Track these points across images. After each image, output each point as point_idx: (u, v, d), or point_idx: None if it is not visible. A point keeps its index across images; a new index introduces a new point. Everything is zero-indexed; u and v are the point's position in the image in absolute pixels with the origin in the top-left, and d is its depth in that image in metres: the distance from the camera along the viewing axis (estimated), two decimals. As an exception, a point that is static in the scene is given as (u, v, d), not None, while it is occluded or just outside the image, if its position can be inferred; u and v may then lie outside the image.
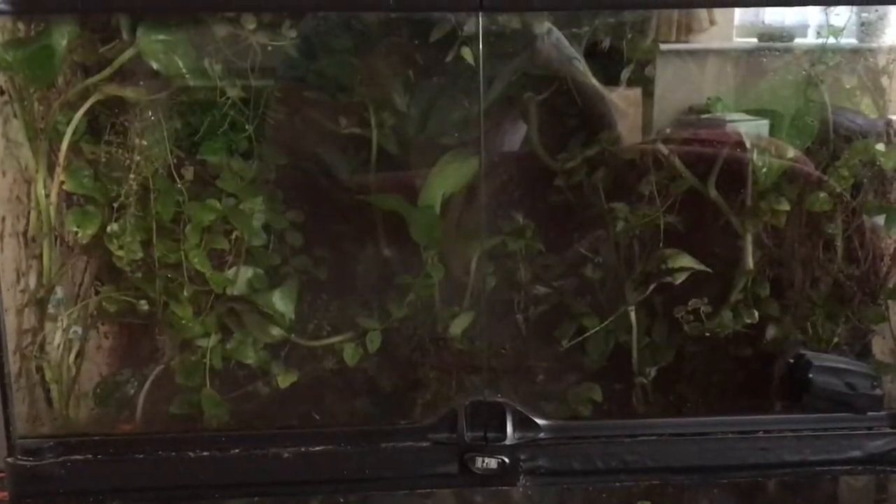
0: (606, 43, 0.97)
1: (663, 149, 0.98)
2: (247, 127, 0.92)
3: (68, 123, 0.87)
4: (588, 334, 0.99)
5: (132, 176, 0.89)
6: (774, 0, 0.94)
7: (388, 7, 0.83)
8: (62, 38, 0.84)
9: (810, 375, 0.89)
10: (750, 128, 0.97)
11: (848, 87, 0.91)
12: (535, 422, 0.90)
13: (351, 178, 1.00)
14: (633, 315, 0.98)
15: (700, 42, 1.03)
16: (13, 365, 0.88)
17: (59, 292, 0.93)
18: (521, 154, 1.03)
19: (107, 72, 0.86)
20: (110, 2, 0.83)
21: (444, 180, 0.98)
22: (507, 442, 0.89)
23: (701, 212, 0.99)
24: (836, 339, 0.95)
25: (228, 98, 0.90)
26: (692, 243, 0.98)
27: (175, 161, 0.91)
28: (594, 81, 0.99)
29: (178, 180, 0.91)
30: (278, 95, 0.94)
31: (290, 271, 0.99)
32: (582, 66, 0.98)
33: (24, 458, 0.88)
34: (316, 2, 0.86)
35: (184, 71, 0.86)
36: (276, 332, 0.98)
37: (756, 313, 0.97)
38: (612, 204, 0.99)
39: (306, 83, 0.97)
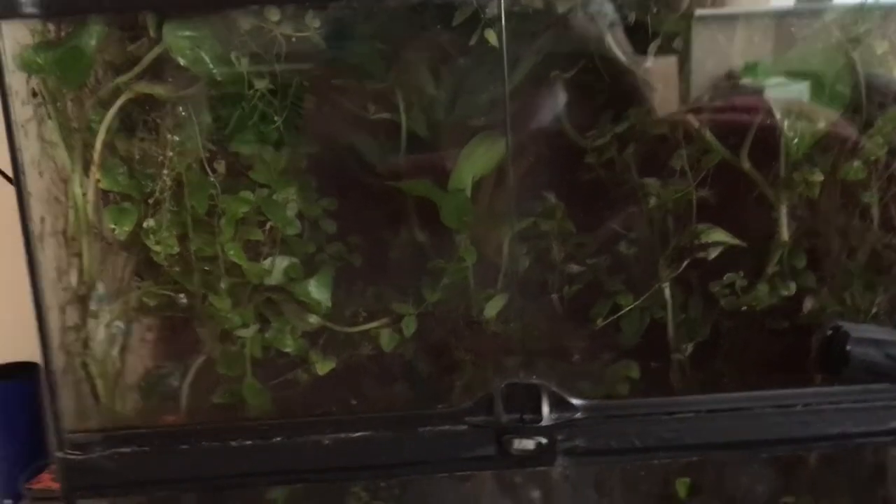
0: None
1: (693, 121, 0.97)
2: (276, 118, 0.93)
3: (101, 122, 0.89)
4: (622, 312, 0.99)
5: (166, 172, 0.91)
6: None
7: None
8: (91, 38, 0.85)
9: (848, 347, 0.88)
10: (788, 93, 0.95)
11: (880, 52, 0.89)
12: (570, 402, 0.90)
13: (381, 164, 1.00)
14: (667, 291, 0.98)
15: (735, 6, 1.02)
16: (59, 361, 0.91)
17: (101, 288, 0.95)
18: (550, 133, 1.03)
19: (136, 70, 0.87)
20: (135, 1, 0.84)
21: (474, 163, 0.98)
22: (544, 423, 0.89)
23: (735, 184, 0.98)
24: (874, 310, 0.94)
25: (257, 90, 0.91)
26: (727, 216, 0.97)
27: (207, 155, 0.92)
28: (627, 53, 0.98)
29: (210, 174, 0.92)
30: (306, 85, 0.95)
31: (325, 259, 1.00)
32: (620, 34, 0.97)
33: (74, 451, 0.90)
34: None
35: (211, 66, 0.87)
36: (313, 319, 0.99)
37: (793, 285, 0.96)
38: (644, 179, 0.99)
39: (333, 71, 0.97)
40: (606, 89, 1.00)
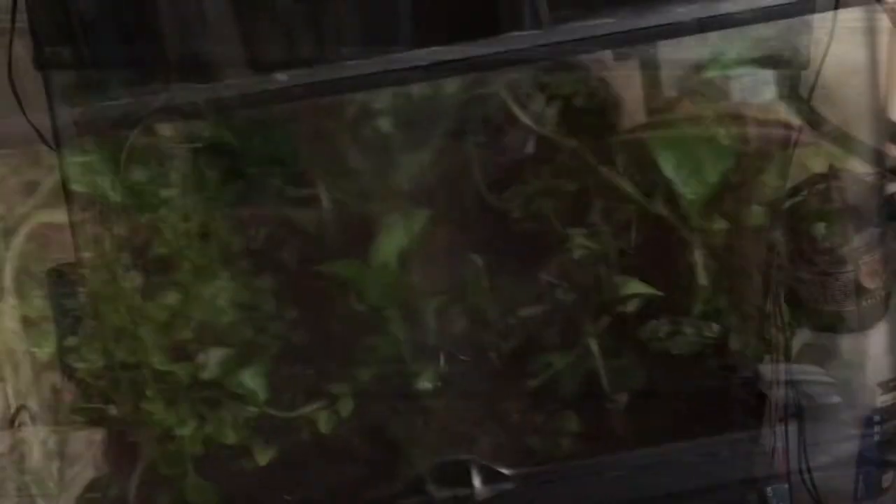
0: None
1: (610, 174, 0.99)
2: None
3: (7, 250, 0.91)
4: (555, 371, 1.00)
5: (80, 290, 0.93)
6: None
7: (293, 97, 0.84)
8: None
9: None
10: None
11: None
12: (502, 473, 0.92)
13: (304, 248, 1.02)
14: (594, 345, 0.99)
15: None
16: (-3, 487, 0.94)
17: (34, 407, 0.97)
18: (469, 196, 1.04)
19: (34, 203, 0.89)
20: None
21: (396, 237, 1.00)
22: (477, 498, 0.91)
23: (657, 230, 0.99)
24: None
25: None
26: (656, 263, 0.99)
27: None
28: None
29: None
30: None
31: (265, 341, 1.02)
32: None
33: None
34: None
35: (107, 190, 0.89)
36: (251, 409, 1.01)
37: (715, 326, 0.97)
38: (569, 230, 1.01)
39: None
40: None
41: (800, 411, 0.99)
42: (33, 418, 0.96)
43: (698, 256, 0.97)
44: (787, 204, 1.00)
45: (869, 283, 1.05)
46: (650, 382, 1.01)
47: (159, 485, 1.00)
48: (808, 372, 0.92)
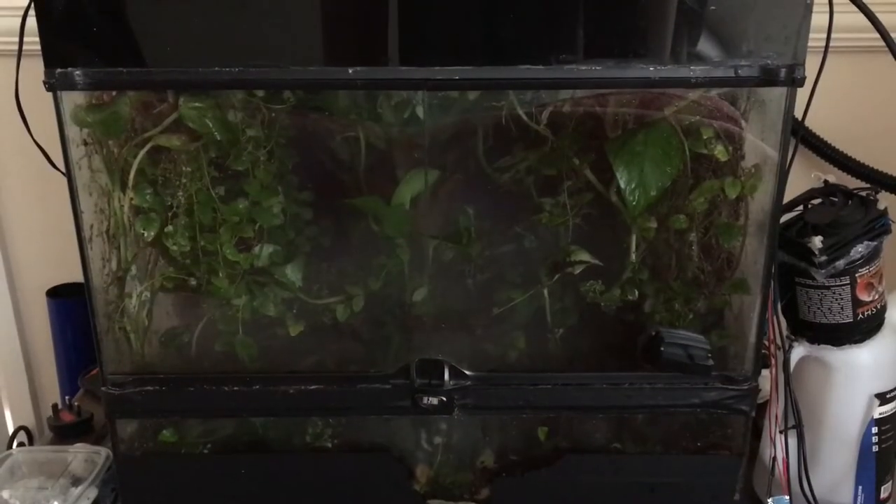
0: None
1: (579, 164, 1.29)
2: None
3: (135, 157, 1.23)
4: (515, 302, 1.33)
5: (180, 193, 1.25)
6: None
7: (356, 86, 1.14)
8: (126, 105, 1.18)
9: (661, 348, 1.22)
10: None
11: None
12: (465, 373, 1.25)
13: (343, 180, 1.32)
14: (545, 292, 1.32)
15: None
16: (103, 325, 1.28)
17: (134, 270, 1.30)
18: (470, 163, 1.33)
19: (158, 129, 1.20)
20: (155, 83, 1.15)
21: (412, 186, 1.31)
22: (445, 387, 1.25)
23: (607, 211, 1.30)
24: (690, 317, 1.28)
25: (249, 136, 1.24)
26: (598, 237, 1.30)
27: (210, 179, 1.26)
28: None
29: (213, 194, 1.26)
30: (288, 122, 1.27)
31: (300, 243, 1.34)
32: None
33: (113, 388, 1.27)
34: (296, 82, 1.16)
35: (212, 128, 1.19)
36: (288, 293, 1.35)
37: (636, 292, 1.29)
38: (541, 199, 1.32)
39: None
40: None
41: (799, 423, 1.23)
42: (134, 279, 1.29)
43: (633, 240, 1.29)
44: (783, 218, 1.19)
45: (865, 296, 1.23)
46: (581, 323, 1.33)
47: (216, 338, 1.34)
48: (692, 339, 1.23)
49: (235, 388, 1.27)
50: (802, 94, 1.13)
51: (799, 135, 1.20)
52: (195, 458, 1.33)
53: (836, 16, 1.12)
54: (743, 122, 1.22)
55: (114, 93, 1.19)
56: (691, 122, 1.20)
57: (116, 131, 1.19)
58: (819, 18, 1.10)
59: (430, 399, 1.25)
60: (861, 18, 1.15)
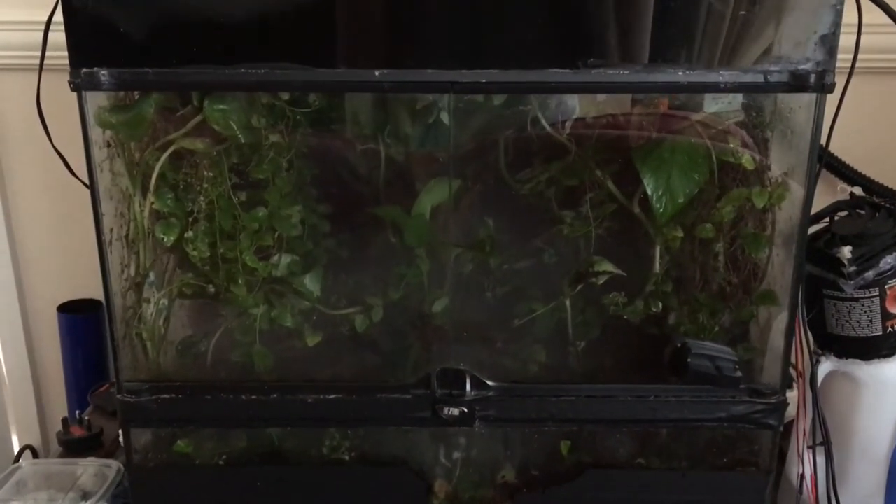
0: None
1: (600, 174, 1.27)
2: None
3: (157, 161, 1.22)
4: (536, 314, 1.32)
5: (202, 198, 1.24)
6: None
7: (383, 88, 1.13)
8: (150, 107, 1.17)
9: (688, 360, 1.20)
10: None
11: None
12: (487, 384, 1.24)
13: (362, 192, 1.31)
14: (567, 303, 1.30)
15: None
16: (119, 331, 1.26)
17: (152, 277, 1.29)
18: (492, 175, 1.32)
19: (181, 132, 1.19)
20: (181, 84, 1.15)
21: (433, 196, 1.30)
22: (466, 398, 1.23)
23: (629, 223, 1.29)
24: (716, 329, 1.26)
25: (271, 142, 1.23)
26: (621, 249, 1.28)
27: (232, 185, 1.25)
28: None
29: (234, 199, 1.25)
30: (310, 132, 1.26)
31: (319, 254, 1.32)
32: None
33: (128, 395, 1.25)
34: (323, 84, 1.15)
35: (237, 130, 1.18)
36: (306, 304, 1.33)
37: (660, 304, 1.28)
38: (562, 211, 1.30)
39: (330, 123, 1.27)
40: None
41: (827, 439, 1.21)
42: (152, 285, 1.27)
43: (657, 251, 1.28)
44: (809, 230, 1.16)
45: (894, 308, 1.20)
46: (604, 336, 1.31)
47: (232, 348, 1.32)
48: (720, 351, 1.21)
49: (252, 397, 1.25)
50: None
51: (823, 161, 1.18)
52: (210, 470, 1.31)
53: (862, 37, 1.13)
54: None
55: (136, 95, 1.17)
56: (717, 131, 1.18)
57: (139, 133, 1.19)
58: (845, 39, 1.10)
59: (452, 410, 1.23)
60: (885, 39, 1.14)
